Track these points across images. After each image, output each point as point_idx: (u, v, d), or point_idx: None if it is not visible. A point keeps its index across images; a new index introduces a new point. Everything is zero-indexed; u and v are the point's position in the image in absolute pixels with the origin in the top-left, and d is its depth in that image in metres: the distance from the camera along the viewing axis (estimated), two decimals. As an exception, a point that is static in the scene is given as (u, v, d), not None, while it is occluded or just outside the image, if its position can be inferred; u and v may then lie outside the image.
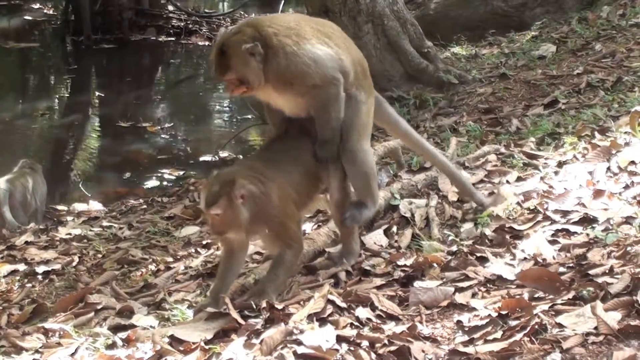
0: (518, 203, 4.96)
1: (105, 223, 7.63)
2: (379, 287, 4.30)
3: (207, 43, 18.16)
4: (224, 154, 11.11)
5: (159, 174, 11.06)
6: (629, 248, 4.09)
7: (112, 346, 3.95)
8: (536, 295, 3.86)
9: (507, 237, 4.65)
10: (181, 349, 3.73)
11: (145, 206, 8.33)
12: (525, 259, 4.33)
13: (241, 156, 10.49)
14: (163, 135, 12.86)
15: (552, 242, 4.44)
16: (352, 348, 3.53)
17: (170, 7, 19.59)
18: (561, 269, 4.07)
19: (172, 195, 8.66)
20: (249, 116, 13.00)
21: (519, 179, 5.39)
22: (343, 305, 3.97)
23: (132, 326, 4.36)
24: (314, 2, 8.69)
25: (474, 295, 4.04)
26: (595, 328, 3.43)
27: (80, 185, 10.90)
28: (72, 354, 3.94)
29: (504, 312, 3.69)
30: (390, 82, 8.63)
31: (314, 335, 3.58)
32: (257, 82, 4.39)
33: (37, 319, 5.00)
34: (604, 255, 4.11)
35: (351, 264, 4.67)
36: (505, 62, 9.01)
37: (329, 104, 4.47)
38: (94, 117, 14.43)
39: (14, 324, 5.01)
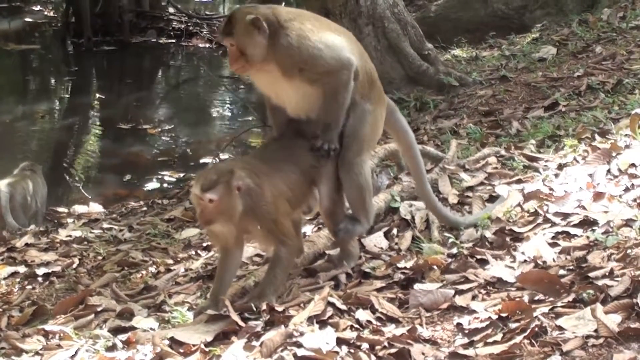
0: (518, 205, 4.97)
1: (105, 225, 7.63)
2: (379, 290, 4.30)
3: (207, 45, 18.18)
4: (224, 156, 11.10)
5: (159, 176, 11.08)
6: (629, 251, 4.09)
7: (112, 348, 3.95)
8: (536, 298, 3.86)
9: (507, 239, 4.65)
10: (181, 351, 3.73)
11: (145, 208, 8.33)
12: (525, 261, 4.33)
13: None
14: (163, 138, 12.88)
15: (552, 245, 4.43)
16: (352, 350, 3.53)
17: (171, 9, 19.64)
18: (561, 272, 4.07)
19: (172, 198, 8.67)
20: (249, 118, 13.02)
21: (519, 181, 5.39)
22: (343, 307, 3.97)
23: (132, 328, 4.35)
24: (314, 3, 8.69)
25: (474, 297, 4.04)
26: (596, 331, 3.43)
27: (80, 188, 10.91)
28: (72, 356, 3.95)
29: (504, 315, 3.69)
30: (391, 85, 8.62)
31: (314, 337, 3.58)
32: (257, 57, 4.39)
33: (37, 321, 5.00)
34: (604, 257, 4.11)
35: (351, 266, 4.66)
36: (506, 65, 9.02)
37: (339, 91, 4.44)
38: (94, 119, 14.46)
39: (14, 326, 5.01)
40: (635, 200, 4.72)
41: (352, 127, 4.55)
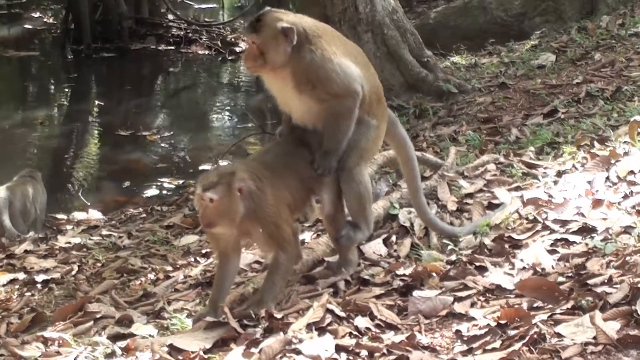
0: (517, 212, 4.97)
1: (104, 232, 7.62)
2: (378, 297, 4.31)
3: (207, 52, 18.19)
4: (223, 162, 11.11)
5: (159, 183, 11.06)
6: (627, 258, 4.09)
7: (111, 355, 3.95)
8: (535, 305, 3.86)
9: (506, 246, 4.66)
10: (180, 358, 3.73)
11: (144, 215, 8.33)
12: (524, 268, 4.33)
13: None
14: (162, 144, 12.86)
15: (551, 252, 4.44)
16: (351, 357, 3.54)
17: (170, 16, 19.62)
18: (560, 279, 4.07)
19: (171, 204, 8.66)
20: (249, 125, 13.02)
21: (518, 188, 5.39)
22: (342, 314, 3.97)
23: (132, 335, 4.35)
24: (314, 10, 8.68)
25: (473, 304, 4.04)
26: (594, 338, 3.43)
27: (79, 194, 10.90)
28: (71, 363, 3.95)
29: (502, 322, 3.69)
30: (390, 92, 8.62)
31: (313, 344, 3.59)
32: (275, 62, 4.47)
33: (36, 327, 4.99)
34: (603, 265, 4.11)
35: (350, 273, 4.67)
36: (505, 72, 9.03)
37: (342, 117, 4.53)
38: (93, 125, 14.44)
39: (13, 333, 5.00)
40: (634, 207, 4.72)
41: (355, 138, 4.62)
